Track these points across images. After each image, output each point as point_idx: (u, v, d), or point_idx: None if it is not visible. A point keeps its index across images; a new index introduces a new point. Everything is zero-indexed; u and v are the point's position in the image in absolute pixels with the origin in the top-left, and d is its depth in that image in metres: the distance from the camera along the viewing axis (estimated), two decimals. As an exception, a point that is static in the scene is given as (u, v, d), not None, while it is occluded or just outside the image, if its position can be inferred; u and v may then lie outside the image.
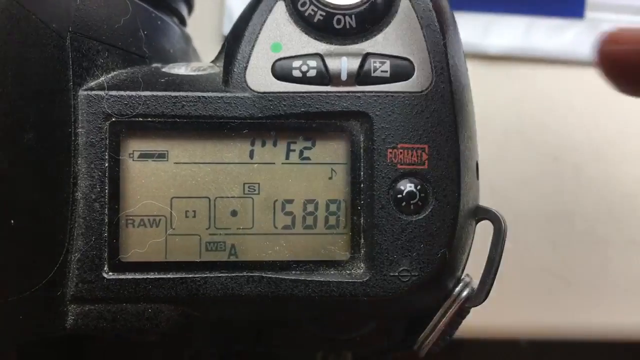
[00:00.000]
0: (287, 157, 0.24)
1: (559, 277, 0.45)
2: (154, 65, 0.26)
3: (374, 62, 0.23)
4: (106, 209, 0.23)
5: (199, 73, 0.25)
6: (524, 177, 0.45)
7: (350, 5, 0.23)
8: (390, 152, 0.23)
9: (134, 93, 0.23)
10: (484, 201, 0.26)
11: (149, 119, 0.23)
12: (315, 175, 0.24)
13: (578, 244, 0.45)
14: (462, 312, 0.25)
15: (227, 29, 0.44)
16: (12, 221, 0.20)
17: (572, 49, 0.46)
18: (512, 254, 0.25)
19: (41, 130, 0.21)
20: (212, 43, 0.45)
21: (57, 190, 0.22)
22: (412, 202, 0.23)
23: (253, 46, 0.24)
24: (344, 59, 0.23)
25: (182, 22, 0.33)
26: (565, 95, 0.46)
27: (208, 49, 0.38)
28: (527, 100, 0.46)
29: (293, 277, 0.23)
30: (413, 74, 0.24)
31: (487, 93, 0.45)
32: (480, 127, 0.26)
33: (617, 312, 0.45)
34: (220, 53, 0.26)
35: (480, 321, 0.25)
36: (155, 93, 0.23)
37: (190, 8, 0.34)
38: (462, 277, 0.25)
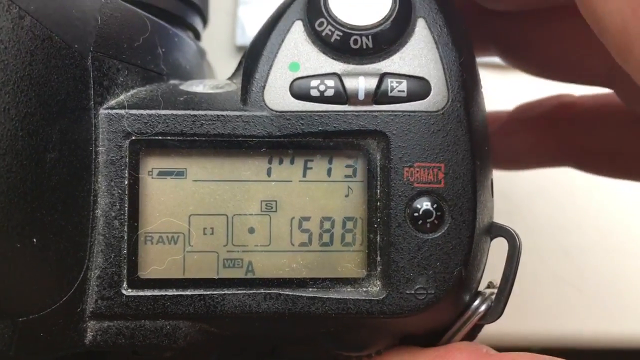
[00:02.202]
0: (304, 175, 0.24)
1: (571, 285, 0.45)
2: (172, 82, 0.27)
3: (391, 81, 0.24)
4: (125, 226, 0.23)
5: (217, 91, 0.25)
6: (537, 186, 0.45)
7: (367, 25, 0.24)
8: (407, 171, 0.24)
9: (153, 112, 0.23)
10: (497, 208, 0.26)
11: (168, 137, 0.23)
12: (332, 193, 0.24)
13: (590, 253, 0.45)
14: (474, 330, 0.26)
15: (239, 39, 0.45)
16: (35, 240, 0.21)
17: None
18: (524, 263, 0.25)
19: (63, 149, 0.21)
20: (225, 54, 0.45)
21: (78, 209, 0.22)
22: (428, 220, 0.23)
23: (271, 65, 0.24)
24: (361, 78, 0.24)
25: (197, 36, 0.33)
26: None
27: (221, 59, 0.38)
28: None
29: (310, 295, 0.24)
30: (429, 94, 0.24)
31: (497, 103, 0.45)
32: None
33: (629, 320, 0.45)
34: (237, 70, 0.26)
35: (491, 329, 0.26)
36: (174, 112, 0.23)
37: (205, 22, 0.34)
38: (481, 290, 0.25)
